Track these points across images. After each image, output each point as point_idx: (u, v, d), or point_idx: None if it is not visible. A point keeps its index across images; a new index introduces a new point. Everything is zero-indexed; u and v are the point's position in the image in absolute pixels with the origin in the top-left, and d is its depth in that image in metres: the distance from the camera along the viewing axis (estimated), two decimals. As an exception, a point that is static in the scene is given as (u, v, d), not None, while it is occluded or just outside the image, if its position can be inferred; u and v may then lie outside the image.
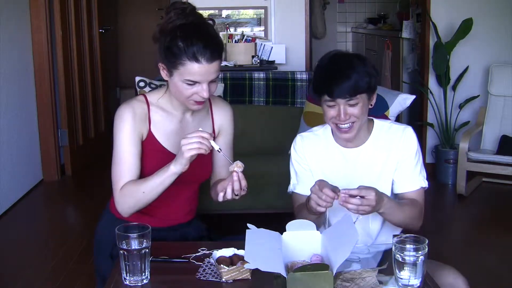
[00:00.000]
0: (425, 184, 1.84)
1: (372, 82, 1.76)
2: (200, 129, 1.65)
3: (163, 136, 1.83)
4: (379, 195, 1.63)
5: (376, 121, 1.88)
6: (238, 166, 1.64)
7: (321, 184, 1.63)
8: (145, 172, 1.80)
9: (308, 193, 1.71)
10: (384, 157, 1.83)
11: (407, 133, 1.84)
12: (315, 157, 1.88)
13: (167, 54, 1.69)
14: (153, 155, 1.81)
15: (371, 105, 1.81)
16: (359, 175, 1.82)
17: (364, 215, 1.63)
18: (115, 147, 1.78)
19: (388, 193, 1.83)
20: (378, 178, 1.82)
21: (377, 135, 1.85)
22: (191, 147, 1.59)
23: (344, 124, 1.75)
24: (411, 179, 1.83)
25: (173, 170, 1.66)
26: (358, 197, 1.58)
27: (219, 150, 1.66)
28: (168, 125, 1.83)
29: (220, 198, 1.67)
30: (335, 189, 1.61)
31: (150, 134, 1.81)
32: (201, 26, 1.72)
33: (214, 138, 1.93)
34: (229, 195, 1.66)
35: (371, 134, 1.85)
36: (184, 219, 1.94)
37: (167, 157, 1.80)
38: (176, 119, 1.85)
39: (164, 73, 1.75)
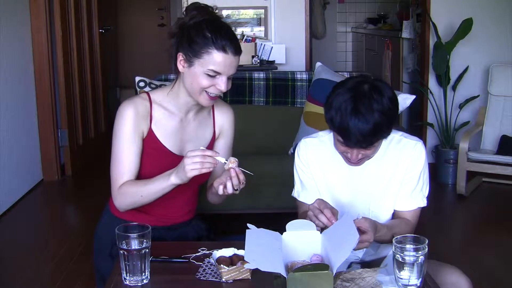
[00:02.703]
0: (423, 204, 1.80)
1: (393, 121, 1.63)
2: (202, 147, 1.66)
3: (163, 134, 1.83)
4: (373, 229, 1.58)
5: None
6: (232, 162, 1.65)
7: (320, 204, 1.61)
8: (143, 169, 1.81)
9: (312, 201, 1.67)
10: (391, 172, 1.77)
11: (417, 150, 1.76)
12: (319, 166, 1.82)
13: (192, 43, 1.71)
14: (152, 153, 1.82)
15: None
16: (363, 188, 1.78)
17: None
18: (115, 145, 1.79)
19: (392, 208, 1.81)
20: (383, 193, 1.78)
21: (385, 148, 1.77)
22: (193, 167, 1.60)
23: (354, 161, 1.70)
24: (410, 199, 1.78)
25: (173, 181, 1.67)
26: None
27: (226, 162, 1.65)
28: (169, 124, 1.84)
29: (220, 190, 1.67)
30: (333, 211, 1.59)
31: (150, 132, 1.81)
32: (225, 24, 1.78)
33: (214, 140, 1.94)
34: (229, 190, 1.66)
35: (380, 146, 1.75)
36: (184, 218, 1.94)
37: (166, 155, 1.81)
38: (178, 118, 1.85)
39: (181, 64, 1.75)
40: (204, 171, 1.61)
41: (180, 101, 1.83)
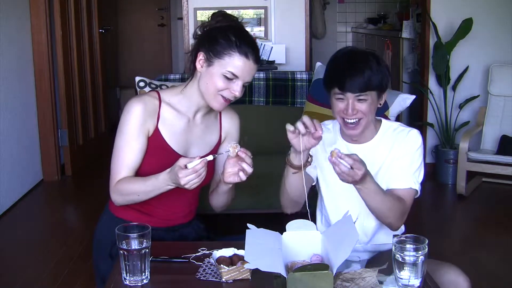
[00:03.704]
0: (415, 186, 1.81)
1: (384, 81, 1.78)
2: (182, 162, 1.60)
3: (169, 134, 1.83)
4: (366, 173, 1.63)
5: (384, 121, 1.90)
6: (235, 148, 1.68)
7: (317, 122, 1.65)
8: (144, 167, 1.81)
9: (308, 173, 1.77)
10: (385, 156, 1.84)
11: (412, 134, 1.85)
12: (320, 147, 1.88)
13: (215, 43, 1.73)
14: (156, 152, 1.82)
15: (380, 104, 1.82)
16: None
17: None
18: (117, 140, 1.80)
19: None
20: (378, 177, 1.82)
21: (382, 135, 1.87)
22: (192, 183, 1.61)
23: (351, 119, 1.77)
24: (402, 176, 1.81)
25: (170, 187, 1.69)
26: (348, 166, 1.59)
27: (215, 156, 1.69)
28: (176, 123, 1.84)
29: (243, 176, 1.70)
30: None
31: (156, 131, 1.82)
32: (249, 33, 1.80)
33: (219, 144, 1.95)
34: (249, 169, 1.69)
35: (377, 133, 1.87)
36: (184, 219, 1.94)
37: (170, 155, 1.81)
38: (186, 119, 1.86)
39: (200, 64, 1.77)
40: (203, 178, 1.62)
41: (191, 101, 1.84)
